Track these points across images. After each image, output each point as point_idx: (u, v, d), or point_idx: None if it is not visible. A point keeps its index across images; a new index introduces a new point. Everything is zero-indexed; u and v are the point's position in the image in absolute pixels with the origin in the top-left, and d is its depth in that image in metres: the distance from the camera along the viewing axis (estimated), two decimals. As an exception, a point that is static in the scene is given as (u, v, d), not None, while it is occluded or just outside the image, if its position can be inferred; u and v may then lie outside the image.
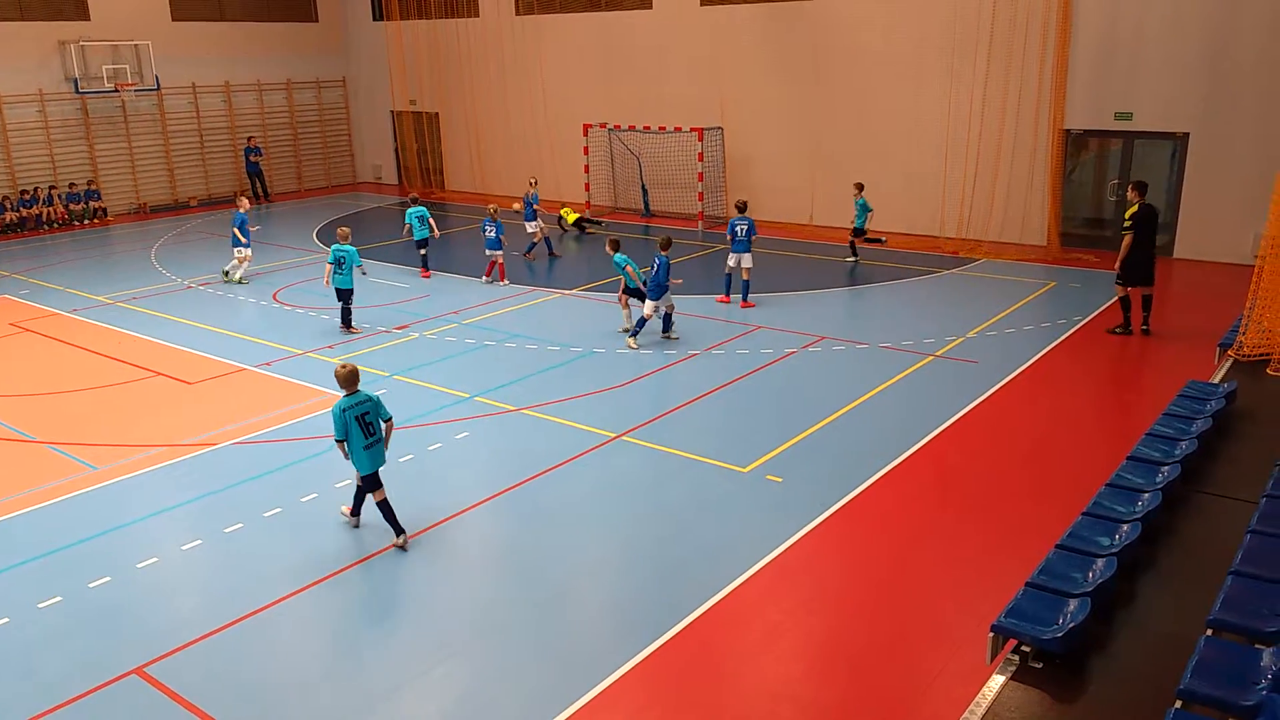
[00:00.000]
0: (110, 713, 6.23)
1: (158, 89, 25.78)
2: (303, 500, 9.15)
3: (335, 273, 14.24)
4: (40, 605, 7.43)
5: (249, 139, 27.36)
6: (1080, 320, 14.21)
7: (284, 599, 7.49)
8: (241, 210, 17.73)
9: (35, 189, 24.04)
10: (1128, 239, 12.96)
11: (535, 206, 19.32)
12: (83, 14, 24.73)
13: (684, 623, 7.07)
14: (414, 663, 6.75)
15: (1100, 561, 5.58)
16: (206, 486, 9.53)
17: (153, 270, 19.22)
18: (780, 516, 8.61)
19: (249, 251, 17.75)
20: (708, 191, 22.81)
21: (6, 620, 7.24)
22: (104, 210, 25.09)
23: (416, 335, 14.40)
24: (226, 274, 17.92)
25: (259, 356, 13.46)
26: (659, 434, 10.48)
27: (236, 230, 17.51)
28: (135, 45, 25.22)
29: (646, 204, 24.24)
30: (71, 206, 24.48)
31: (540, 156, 26.41)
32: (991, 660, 5.08)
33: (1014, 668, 4.97)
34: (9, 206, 23.42)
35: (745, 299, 15.54)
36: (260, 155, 27.50)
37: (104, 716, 6.20)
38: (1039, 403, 11.32)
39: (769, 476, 9.40)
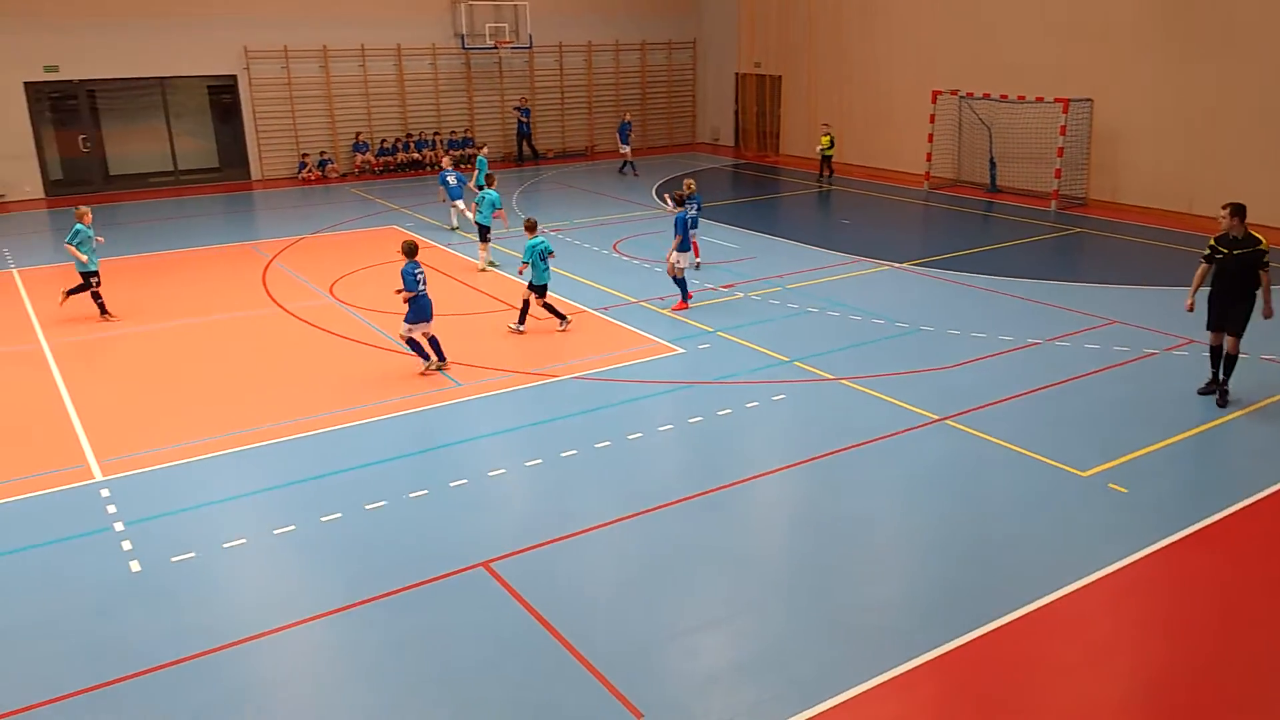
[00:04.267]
0: (460, 595, 7.09)
1: (530, 47, 28.05)
2: (629, 438, 9.72)
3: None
4: (410, 495, 8.56)
5: (521, 99, 28.38)
6: None
7: (608, 524, 8.05)
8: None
9: (420, 133, 27.20)
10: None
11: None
12: (473, -25, 27.41)
13: (995, 623, 6.70)
14: (711, 609, 6.99)
15: None
16: (550, 412, 10.42)
17: (511, 214, 21.09)
18: (1119, 530, 7.86)
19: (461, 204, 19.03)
20: (1066, 169, 20.99)
21: (384, 503, 8.42)
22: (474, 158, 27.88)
23: (741, 295, 14.68)
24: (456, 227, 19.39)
25: (598, 301, 14.40)
26: (988, 423, 9.93)
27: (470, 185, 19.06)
28: (515, 6, 27.58)
29: (993, 179, 22.80)
30: (451, 152, 27.41)
31: (881, 122, 25.68)
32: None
33: None
34: (400, 148, 26.72)
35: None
36: (529, 116, 28.38)
37: (454, 597, 7.08)
38: None
39: (1111, 485, 8.60)
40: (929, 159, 23.68)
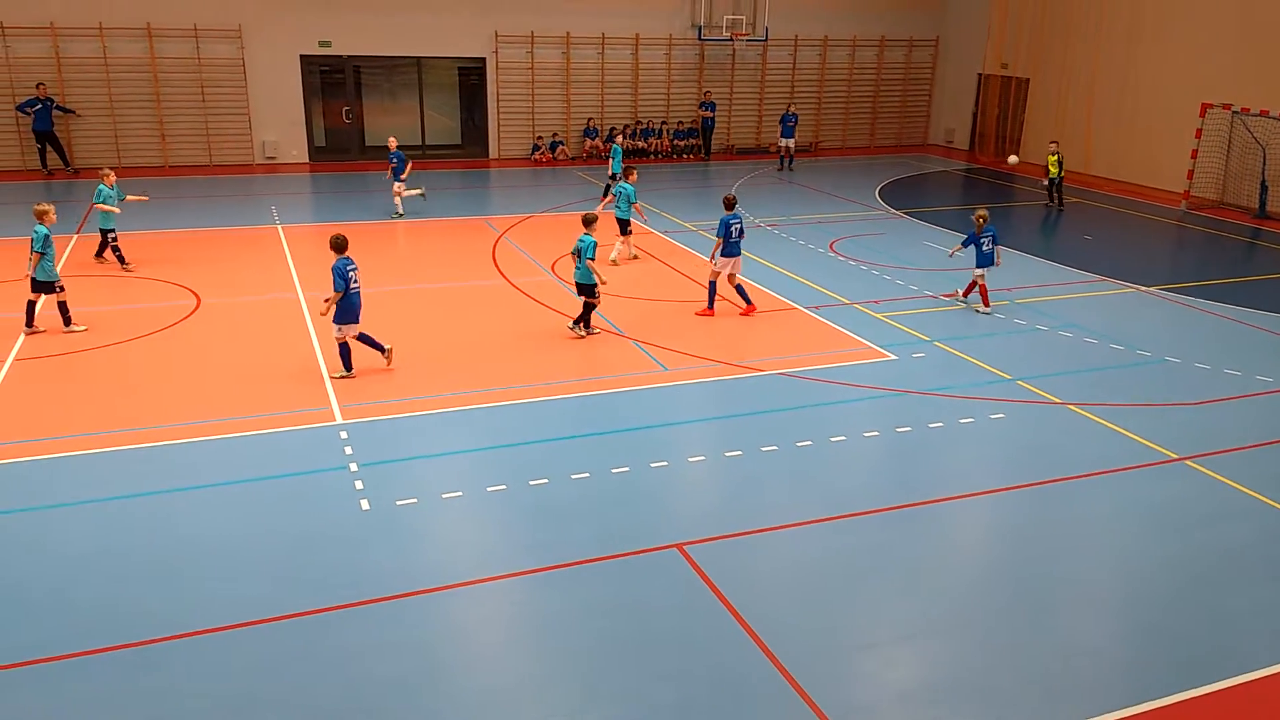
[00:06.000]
0: (653, 573, 7.24)
1: (765, 40, 27.93)
2: (832, 440, 9.56)
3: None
4: (613, 470, 8.82)
5: (705, 93, 27.55)
6: None
7: (805, 523, 7.97)
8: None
9: (649, 121, 27.72)
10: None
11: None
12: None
13: (1222, 684, 6.12)
14: (905, 624, 6.78)
15: None
16: (754, 405, 10.41)
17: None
18: (1388, 606, 6.96)
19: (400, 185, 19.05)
20: (1353, 197, 18.66)
21: (587, 474, 8.72)
22: (698, 147, 28.13)
23: (963, 306, 14.06)
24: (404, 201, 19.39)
25: (810, 299, 14.21)
26: (1234, 468, 9.02)
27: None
28: (756, -1, 27.56)
29: (1263, 203, 20.58)
30: (676, 142, 27.84)
31: (1135, 134, 23.76)
32: None
33: None
34: (627, 135, 27.34)
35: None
36: (713, 111, 27.47)
37: (648, 574, 7.24)
38: None
39: (1381, 554, 7.62)
40: (1190, 177, 21.66)
